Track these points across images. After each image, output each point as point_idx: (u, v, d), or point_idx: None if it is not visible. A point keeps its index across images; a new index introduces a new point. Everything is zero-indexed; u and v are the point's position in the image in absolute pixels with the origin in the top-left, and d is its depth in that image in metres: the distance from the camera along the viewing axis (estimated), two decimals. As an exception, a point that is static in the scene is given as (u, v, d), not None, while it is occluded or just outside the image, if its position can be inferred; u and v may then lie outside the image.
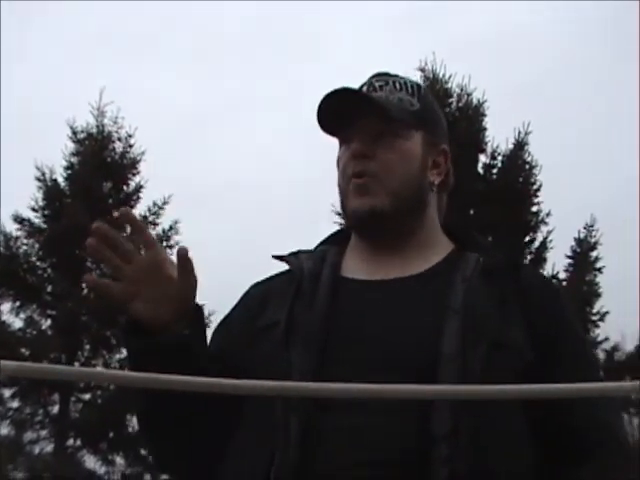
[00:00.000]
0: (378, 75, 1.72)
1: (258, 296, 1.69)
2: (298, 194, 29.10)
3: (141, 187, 13.93)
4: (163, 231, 13.54)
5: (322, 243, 1.78)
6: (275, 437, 1.42)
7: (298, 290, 1.58)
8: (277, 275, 1.73)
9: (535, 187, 11.99)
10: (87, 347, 13.36)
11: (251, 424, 1.49)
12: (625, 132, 28.57)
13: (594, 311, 11.56)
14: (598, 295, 11.62)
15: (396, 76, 1.73)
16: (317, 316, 1.52)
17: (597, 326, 11.60)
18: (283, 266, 1.71)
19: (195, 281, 1.52)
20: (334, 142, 1.73)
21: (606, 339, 11.70)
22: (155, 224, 13.60)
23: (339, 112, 1.62)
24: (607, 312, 11.55)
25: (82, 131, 14.14)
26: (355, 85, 1.71)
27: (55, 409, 13.24)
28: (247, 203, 31.37)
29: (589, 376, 1.50)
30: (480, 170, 12.24)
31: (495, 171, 12.18)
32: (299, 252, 1.71)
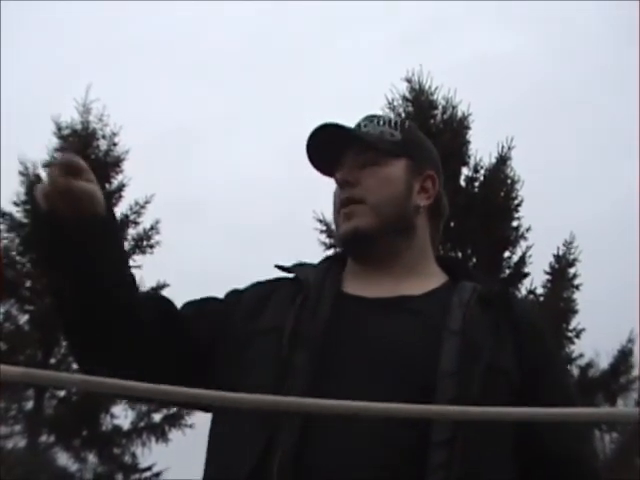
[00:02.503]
0: (366, 117, 1.86)
1: (259, 295, 1.76)
2: (285, 207, 29.27)
3: (124, 186, 13.93)
4: (144, 230, 13.55)
5: (323, 261, 1.85)
6: (274, 437, 1.47)
7: (305, 299, 1.65)
8: (279, 280, 1.80)
9: (516, 202, 12.06)
10: (64, 344, 13.33)
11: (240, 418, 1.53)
12: (609, 152, 28.79)
13: (570, 327, 11.64)
14: (575, 312, 11.70)
15: (382, 115, 1.89)
16: (321, 326, 1.59)
17: (572, 342, 11.68)
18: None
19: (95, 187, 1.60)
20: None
21: (581, 355, 11.78)
22: (136, 223, 13.61)
23: (326, 149, 1.77)
24: (583, 329, 11.63)
25: (67, 127, 14.13)
26: (349, 116, 1.86)
27: (29, 405, 13.21)
28: (233, 213, 31.53)
29: (569, 406, 1.56)
30: (462, 183, 12.30)
31: (477, 184, 12.25)
32: (304, 264, 1.82)
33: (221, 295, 1.83)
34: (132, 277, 1.71)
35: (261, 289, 1.79)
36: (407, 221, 1.76)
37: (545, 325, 1.79)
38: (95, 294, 1.59)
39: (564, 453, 1.60)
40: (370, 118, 1.85)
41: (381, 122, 1.83)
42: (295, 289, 1.69)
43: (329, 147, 1.77)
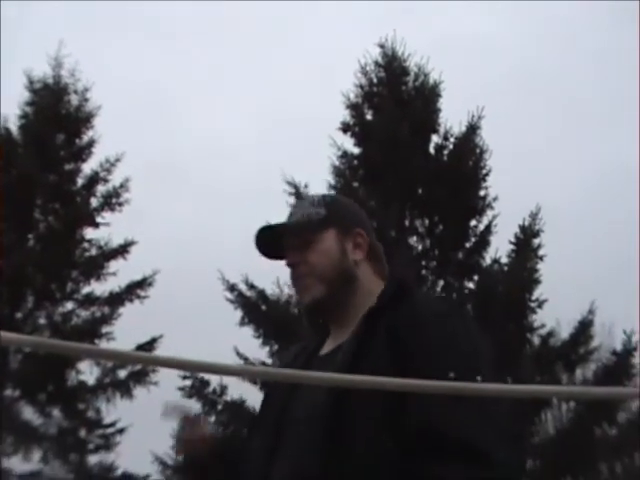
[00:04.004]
0: (294, 205, 2.41)
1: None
2: (253, 172, 29.19)
3: (94, 142, 13.88)
4: (113, 188, 13.53)
5: (320, 328, 2.33)
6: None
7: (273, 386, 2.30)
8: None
9: (484, 171, 12.14)
10: (31, 299, 13.35)
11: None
12: (579, 129, 28.93)
13: (533, 298, 11.77)
14: (538, 282, 11.81)
15: (307, 197, 2.41)
16: (287, 389, 2.13)
17: (534, 312, 11.82)
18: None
19: (210, 440, 2.33)
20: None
21: (542, 326, 11.92)
22: (106, 180, 13.58)
23: (270, 244, 2.23)
24: (545, 300, 11.75)
25: (38, 81, 14.03)
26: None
27: (-5, 359, 13.23)
28: (202, 176, 31.43)
29: (435, 408, 1.77)
30: (432, 150, 12.37)
31: (446, 152, 12.31)
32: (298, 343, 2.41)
33: None
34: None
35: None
36: (350, 275, 2.17)
37: (428, 322, 1.99)
38: None
39: (421, 425, 1.81)
40: (298, 203, 2.35)
41: (306, 204, 2.26)
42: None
43: (273, 241, 2.22)
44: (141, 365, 12.65)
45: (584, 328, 11.96)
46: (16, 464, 13.08)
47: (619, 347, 11.83)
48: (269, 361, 11.74)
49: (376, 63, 12.68)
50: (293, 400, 2.10)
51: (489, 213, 12.16)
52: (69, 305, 13.45)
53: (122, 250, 13.30)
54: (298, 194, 12.23)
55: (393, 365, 1.89)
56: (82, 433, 13.38)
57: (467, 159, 12.14)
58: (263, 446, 2.12)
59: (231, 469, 2.32)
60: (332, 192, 12.41)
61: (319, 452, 1.92)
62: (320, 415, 1.96)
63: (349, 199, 2.40)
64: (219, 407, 11.76)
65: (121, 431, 13.10)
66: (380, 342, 1.97)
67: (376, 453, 1.86)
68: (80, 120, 13.92)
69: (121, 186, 13.49)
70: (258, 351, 11.77)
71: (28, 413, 13.24)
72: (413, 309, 2.02)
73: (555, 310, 12.62)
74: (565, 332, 12.54)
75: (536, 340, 11.95)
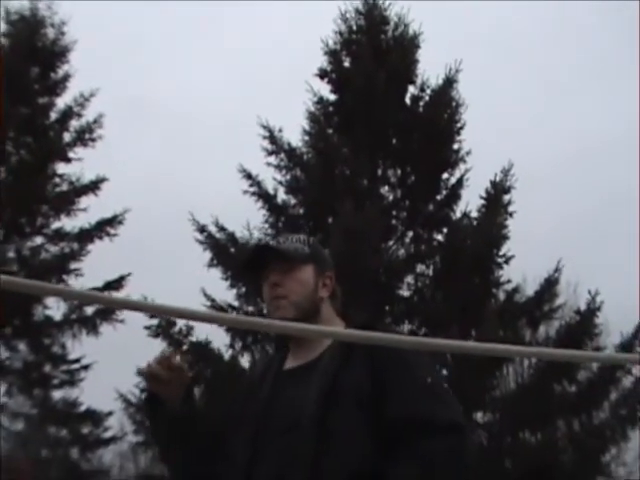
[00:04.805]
0: (280, 237, 2.76)
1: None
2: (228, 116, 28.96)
3: (69, 76, 13.75)
4: (87, 123, 13.43)
5: (278, 349, 3.01)
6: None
7: (250, 389, 2.67)
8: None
9: (459, 125, 12.13)
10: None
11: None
12: (557, 90, 28.88)
13: (500, 253, 11.83)
14: (506, 238, 11.86)
15: (293, 235, 2.74)
16: (260, 400, 2.54)
17: (501, 268, 11.89)
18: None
19: (187, 377, 2.59)
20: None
21: (508, 281, 12.01)
22: (79, 115, 13.47)
23: (257, 261, 2.65)
24: (512, 256, 11.81)
25: (15, 12, 13.85)
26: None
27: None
28: (176, 117, 31.17)
29: (420, 397, 2.39)
30: (407, 101, 12.33)
31: (422, 104, 12.28)
32: (262, 357, 3.12)
33: None
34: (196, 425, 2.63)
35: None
36: (315, 308, 2.59)
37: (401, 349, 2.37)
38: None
39: (409, 414, 2.34)
40: (286, 236, 2.74)
41: (294, 240, 2.67)
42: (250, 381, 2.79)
43: (262, 256, 2.64)
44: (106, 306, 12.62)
45: (549, 286, 12.03)
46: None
47: (583, 307, 11.94)
48: (236, 304, 11.80)
49: (356, 10, 12.58)
50: (272, 407, 2.50)
51: (461, 167, 12.18)
52: (38, 240, 13.41)
53: (93, 187, 13.23)
54: (272, 138, 12.18)
55: (371, 377, 2.38)
56: (47, 368, 13.41)
57: (442, 112, 12.10)
58: (243, 446, 2.47)
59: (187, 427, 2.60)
60: (306, 138, 12.41)
61: (306, 457, 2.31)
62: (305, 422, 2.35)
63: (321, 247, 2.80)
64: (185, 347, 11.80)
65: (86, 367, 13.16)
66: (355, 360, 2.41)
67: (359, 459, 2.31)
68: (55, 54, 13.77)
69: (95, 122, 13.39)
70: (225, 293, 11.81)
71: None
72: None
73: (522, 267, 12.73)
74: (530, 289, 12.66)
75: (501, 295, 12.05)
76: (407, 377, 2.41)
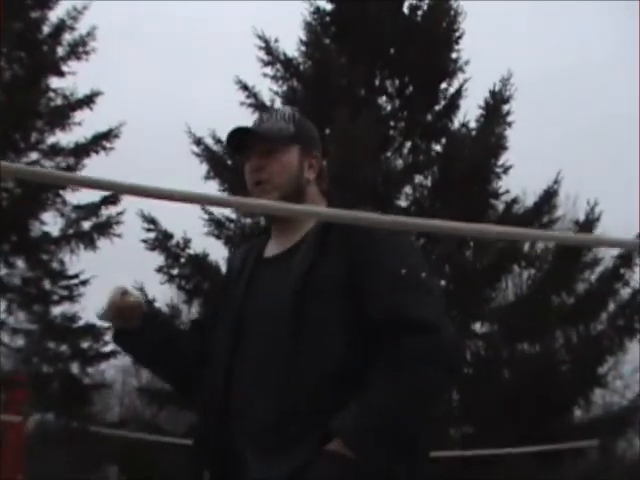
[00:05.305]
0: (265, 113, 2.65)
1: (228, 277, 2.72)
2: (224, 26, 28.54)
3: (61, -11, 13.46)
4: (80, 36, 13.19)
5: (259, 233, 2.75)
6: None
7: (227, 281, 2.63)
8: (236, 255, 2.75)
9: (457, 34, 11.97)
10: (-6, 148, 13.15)
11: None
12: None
13: (499, 163, 11.78)
14: (505, 148, 11.80)
15: (279, 110, 2.63)
16: (241, 291, 2.46)
17: (499, 178, 11.85)
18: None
19: (141, 306, 2.58)
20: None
21: (507, 192, 11.97)
22: (72, 28, 13.23)
23: (240, 140, 2.51)
24: (511, 166, 11.78)
25: None
26: None
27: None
28: (171, 28, 30.73)
29: (392, 292, 2.27)
30: (405, 10, 12.15)
31: (420, 13, 12.10)
32: (240, 246, 2.85)
33: None
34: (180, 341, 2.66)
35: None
36: (300, 190, 2.46)
37: (381, 233, 2.30)
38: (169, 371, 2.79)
39: (378, 311, 2.25)
40: (270, 113, 2.63)
41: (278, 117, 2.52)
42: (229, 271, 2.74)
43: (243, 138, 2.50)
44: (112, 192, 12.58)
45: (548, 197, 12.01)
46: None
47: (582, 218, 11.92)
48: (233, 216, 11.76)
49: None
50: (252, 296, 2.43)
51: (460, 77, 12.09)
52: (33, 155, 13.26)
53: (88, 100, 13.01)
54: (268, 49, 12.03)
55: (347, 267, 2.29)
56: (46, 284, 13.38)
57: (440, 20, 11.94)
58: (225, 339, 2.41)
59: (164, 342, 2.62)
60: (303, 49, 12.25)
61: (284, 349, 2.25)
62: (283, 313, 2.27)
63: (310, 122, 2.63)
64: (182, 260, 11.81)
65: (84, 282, 13.11)
66: (332, 249, 2.31)
67: (333, 358, 2.23)
68: (47, -35, 13.47)
69: (88, 34, 13.13)
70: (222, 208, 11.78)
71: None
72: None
73: (521, 180, 12.65)
74: (530, 201, 12.62)
75: (500, 206, 12.01)
76: (380, 267, 2.30)
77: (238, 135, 2.51)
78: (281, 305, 2.30)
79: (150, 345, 2.60)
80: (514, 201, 12.09)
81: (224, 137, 2.65)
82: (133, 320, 2.56)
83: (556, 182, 12.01)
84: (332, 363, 2.23)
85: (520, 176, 12.36)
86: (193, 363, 2.60)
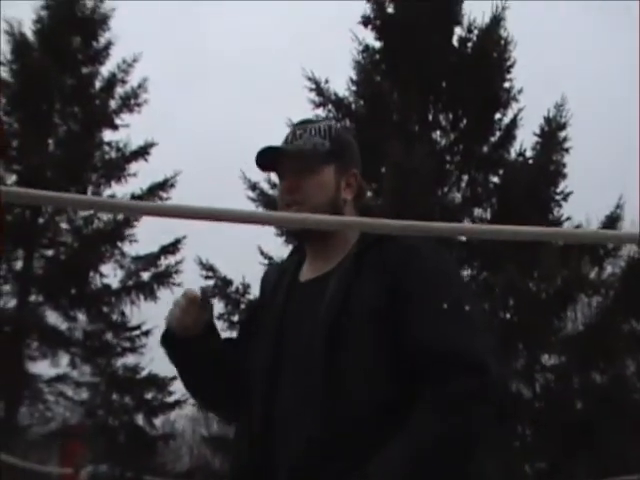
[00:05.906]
0: (299, 124, 2.37)
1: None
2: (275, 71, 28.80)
3: (111, 43, 13.68)
4: (132, 89, 13.36)
5: (292, 253, 2.49)
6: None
7: (262, 299, 2.43)
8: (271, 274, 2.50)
9: (509, 63, 11.86)
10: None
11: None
12: (612, 24, 28.26)
13: (558, 190, 11.60)
14: (563, 175, 11.63)
15: (314, 122, 2.37)
16: (274, 315, 2.25)
17: (560, 206, 11.66)
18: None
19: (210, 315, 2.33)
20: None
21: (568, 218, 11.78)
22: (124, 81, 13.41)
23: (271, 160, 2.30)
24: (571, 192, 11.61)
25: (53, -16, 13.78)
26: None
27: (19, 265, 13.25)
28: (223, 77, 31.02)
29: (435, 318, 2.05)
30: (455, 43, 12.08)
31: (470, 45, 12.02)
32: (270, 265, 2.74)
33: None
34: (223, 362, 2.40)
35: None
36: (337, 212, 2.24)
37: (416, 251, 2.13)
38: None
39: (424, 344, 2.03)
40: (303, 127, 2.33)
41: (313, 132, 2.29)
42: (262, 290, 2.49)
43: (275, 156, 2.28)
44: (150, 215, 12.61)
45: (612, 222, 11.78)
46: (44, 369, 13.23)
47: (647, 242, 11.65)
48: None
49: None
50: (288, 327, 2.23)
51: (514, 106, 11.96)
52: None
53: (142, 152, 13.18)
54: (319, 90, 12.01)
55: (386, 297, 2.07)
56: (108, 336, 13.42)
57: (491, 51, 11.85)
58: (261, 374, 2.22)
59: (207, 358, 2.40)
60: (354, 88, 12.21)
61: (319, 390, 2.06)
62: (317, 350, 2.09)
63: (351, 136, 2.43)
64: (242, 306, 11.74)
65: (146, 333, 13.14)
66: (368, 277, 2.12)
67: (373, 385, 2.04)
68: (96, 22, 13.70)
69: (139, 87, 13.32)
70: (281, 249, 11.73)
71: (52, 317, 13.31)
72: (400, 244, 2.12)
73: (584, 207, 12.43)
74: (594, 226, 12.39)
75: (562, 235, 11.78)
76: (423, 298, 2.07)
77: (269, 154, 2.28)
78: (316, 341, 2.10)
79: (201, 355, 2.36)
80: (577, 228, 11.86)
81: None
82: (195, 327, 2.30)
83: (618, 207, 11.80)
84: (369, 405, 2.03)
85: (582, 202, 12.16)
86: (232, 382, 2.37)
